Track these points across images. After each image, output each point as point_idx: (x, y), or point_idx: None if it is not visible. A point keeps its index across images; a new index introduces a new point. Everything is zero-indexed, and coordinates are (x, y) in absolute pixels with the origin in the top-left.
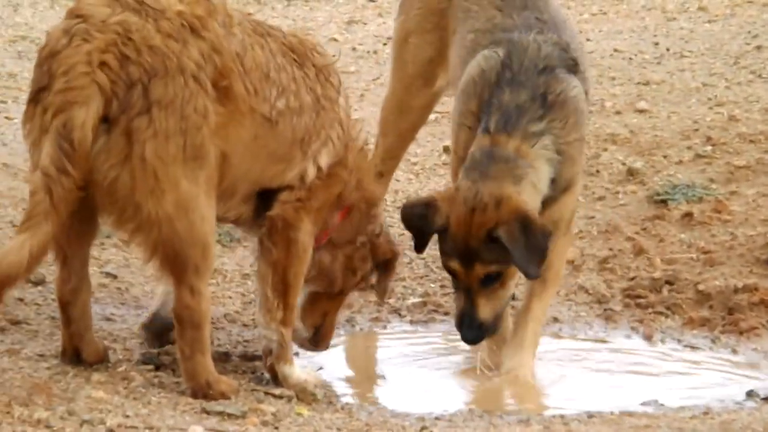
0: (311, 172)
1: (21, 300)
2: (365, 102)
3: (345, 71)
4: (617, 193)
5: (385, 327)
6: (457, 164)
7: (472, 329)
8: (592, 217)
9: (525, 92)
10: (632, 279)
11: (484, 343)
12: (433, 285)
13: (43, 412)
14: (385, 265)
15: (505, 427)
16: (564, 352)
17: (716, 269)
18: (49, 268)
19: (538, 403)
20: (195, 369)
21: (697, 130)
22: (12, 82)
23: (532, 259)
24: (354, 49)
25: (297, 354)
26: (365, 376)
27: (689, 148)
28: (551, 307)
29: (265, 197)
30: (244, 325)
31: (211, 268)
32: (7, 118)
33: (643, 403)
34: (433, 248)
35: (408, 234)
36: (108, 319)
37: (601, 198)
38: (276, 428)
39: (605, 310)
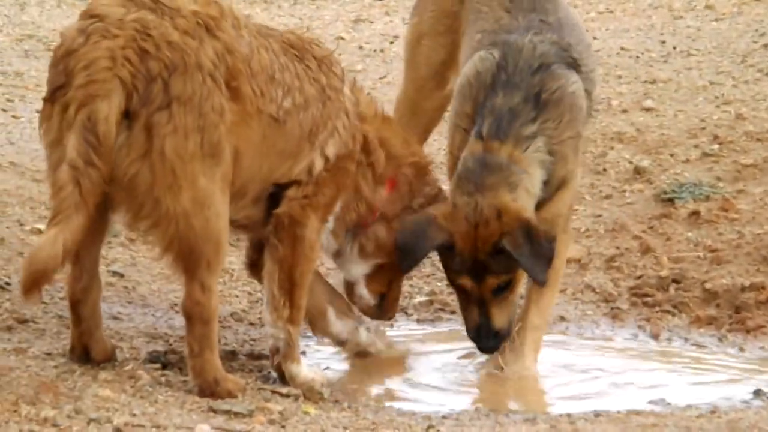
0: (318, 164)
1: None
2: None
3: (352, 69)
4: (624, 191)
5: (392, 325)
6: (453, 164)
7: (490, 339)
8: (599, 216)
9: (518, 94)
10: (639, 277)
11: None
12: (439, 284)
13: (50, 410)
14: None
15: (511, 425)
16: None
17: (723, 268)
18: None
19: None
20: (203, 366)
21: (704, 128)
22: (19, 81)
23: (539, 264)
24: (361, 47)
25: (303, 353)
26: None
27: (696, 146)
28: (558, 305)
29: (273, 198)
30: (251, 324)
31: (222, 264)
32: (14, 116)
33: (650, 402)
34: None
35: None
36: (115, 318)
37: (607, 196)
38: (283, 427)
39: (612, 308)
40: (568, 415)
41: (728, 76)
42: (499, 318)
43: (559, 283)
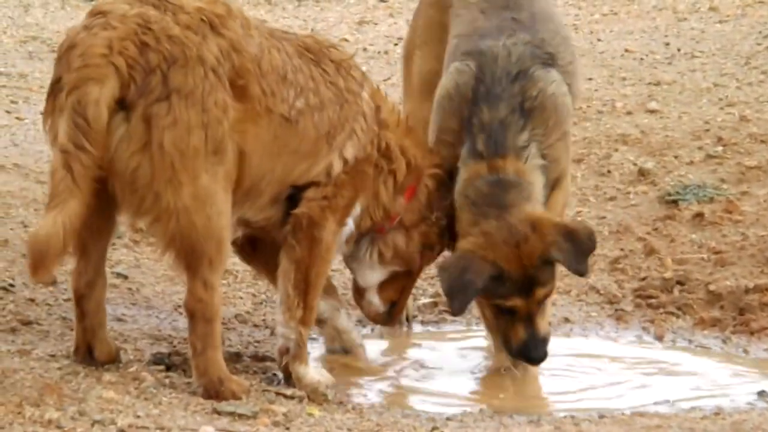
0: (337, 166)
1: (32, 300)
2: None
3: None
4: (628, 193)
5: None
6: None
7: (540, 348)
8: (603, 218)
9: (503, 105)
10: (643, 279)
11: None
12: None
13: (54, 412)
14: None
15: (515, 427)
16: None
17: (727, 269)
18: (60, 269)
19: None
20: (206, 365)
21: (708, 130)
22: (23, 83)
23: (584, 261)
24: (365, 49)
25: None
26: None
27: (700, 148)
28: (562, 307)
29: (290, 200)
30: (255, 326)
31: (224, 263)
32: (17, 118)
33: (655, 403)
34: None
35: None
36: (119, 320)
37: (612, 198)
38: (287, 429)
39: (616, 310)
40: (572, 417)
41: (732, 78)
42: (543, 325)
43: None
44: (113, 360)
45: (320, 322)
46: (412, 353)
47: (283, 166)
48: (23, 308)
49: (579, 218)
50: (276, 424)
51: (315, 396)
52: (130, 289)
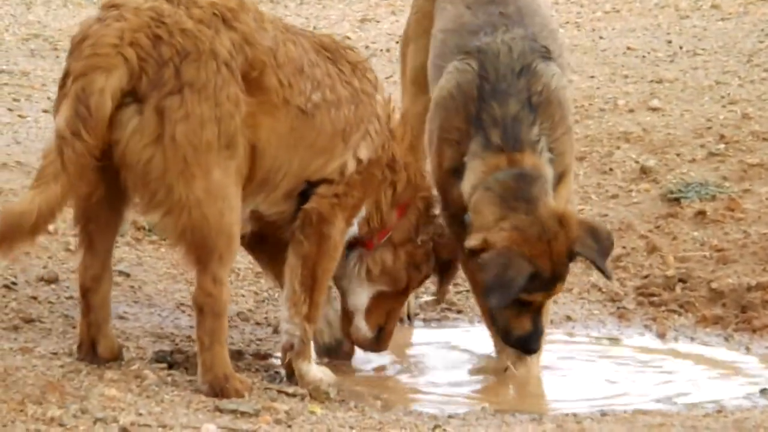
0: (351, 165)
1: (34, 298)
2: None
3: None
4: (630, 191)
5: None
6: (440, 178)
7: (539, 341)
8: (605, 215)
9: (512, 101)
10: (645, 277)
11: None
12: None
13: (56, 410)
14: (447, 264)
15: (517, 425)
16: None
17: (729, 267)
18: (62, 266)
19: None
20: (213, 360)
21: (710, 128)
22: (25, 81)
23: (605, 260)
24: (367, 47)
25: None
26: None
27: (702, 146)
28: (564, 305)
29: (302, 195)
30: (257, 324)
31: (233, 259)
32: (20, 116)
33: (657, 401)
34: None
35: None
36: (121, 318)
37: (614, 196)
38: (289, 426)
39: (618, 308)
40: (575, 415)
41: (734, 76)
42: (546, 318)
43: None
44: (116, 357)
45: None
46: (414, 351)
47: (299, 160)
48: (25, 306)
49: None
50: (278, 421)
51: (317, 394)
52: (132, 286)
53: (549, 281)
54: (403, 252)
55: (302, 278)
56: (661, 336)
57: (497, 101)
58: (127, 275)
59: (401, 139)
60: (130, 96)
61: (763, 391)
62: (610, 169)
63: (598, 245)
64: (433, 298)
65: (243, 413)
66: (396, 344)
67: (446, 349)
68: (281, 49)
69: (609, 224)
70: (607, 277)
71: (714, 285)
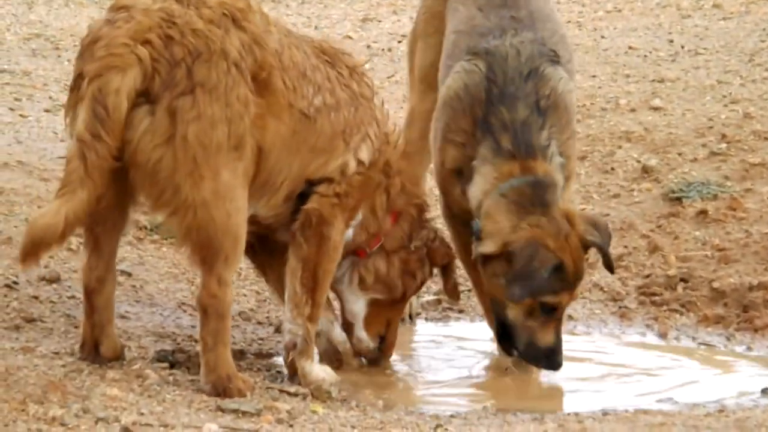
0: (352, 165)
1: (36, 298)
2: (381, 97)
3: None
4: (632, 190)
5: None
6: (443, 178)
7: (561, 355)
8: (607, 215)
9: (521, 105)
10: (647, 276)
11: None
12: None
13: (58, 409)
14: (444, 269)
15: (519, 424)
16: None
17: (731, 267)
18: (63, 266)
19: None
20: (217, 361)
21: (711, 127)
22: (26, 80)
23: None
24: (368, 46)
25: None
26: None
27: (704, 145)
28: None
29: (301, 196)
30: (259, 323)
31: (239, 260)
32: (21, 115)
33: (658, 401)
34: None
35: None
36: (123, 317)
37: (615, 195)
38: (291, 426)
39: (620, 307)
40: (576, 414)
41: (736, 75)
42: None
43: None
44: (118, 357)
45: (316, 335)
46: (416, 351)
47: (300, 162)
48: (27, 305)
49: None
50: (280, 421)
51: (319, 393)
52: (133, 286)
53: (572, 278)
54: (397, 259)
55: (303, 280)
56: (663, 335)
57: (505, 105)
58: (129, 275)
59: (395, 145)
60: (143, 96)
61: (764, 391)
62: (612, 169)
63: (603, 238)
64: (435, 297)
65: (245, 413)
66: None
67: (447, 349)
68: (286, 52)
69: (610, 223)
70: (611, 266)
71: (715, 284)
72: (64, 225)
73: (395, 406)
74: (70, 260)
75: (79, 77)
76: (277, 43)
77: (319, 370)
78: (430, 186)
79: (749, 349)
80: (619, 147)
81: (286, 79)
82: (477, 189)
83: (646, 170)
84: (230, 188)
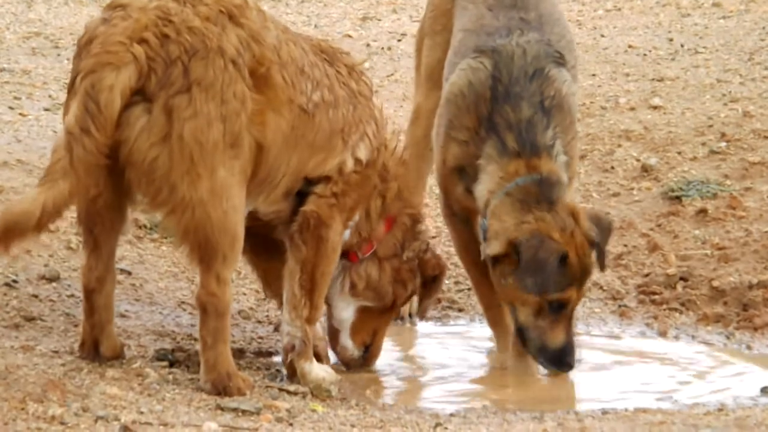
0: (350, 164)
1: (35, 296)
2: (379, 98)
3: None
4: (631, 189)
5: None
6: (445, 177)
7: (573, 355)
8: (607, 214)
9: (525, 104)
10: (646, 275)
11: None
12: (447, 281)
13: (58, 408)
14: (432, 280)
15: (518, 423)
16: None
17: (731, 265)
18: (63, 265)
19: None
20: (216, 359)
21: (711, 126)
22: (26, 79)
23: (606, 243)
24: (368, 45)
25: None
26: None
27: (703, 144)
28: None
29: (300, 195)
30: (259, 322)
31: (237, 259)
32: (21, 114)
33: (658, 400)
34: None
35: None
36: (122, 316)
37: (615, 194)
38: (291, 425)
39: (619, 306)
40: (576, 413)
41: (735, 74)
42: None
43: None
44: (118, 356)
45: None
46: (415, 350)
47: (299, 158)
48: (26, 304)
49: None
50: (279, 420)
51: (319, 392)
52: (133, 285)
53: (579, 273)
54: (389, 266)
55: (301, 282)
56: (662, 334)
57: (510, 104)
58: (129, 273)
59: (393, 151)
60: (139, 95)
61: (764, 389)
62: (612, 168)
63: (602, 234)
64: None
65: (244, 411)
66: (398, 343)
67: (448, 347)
68: (284, 47)
69: None
70: (602, 264)
71: (715, 283)
72: (41, 213)
73: (395, 404)
74: (69, 259)
75: (76, 75)
76: (275, 38)
77: (318, 369)
78: (430, 185)
79: (749, 347)
80: (619, 146)
81: (285, 75)
82: (483, 188)
83: (645, 169)
84: (227, 187)
